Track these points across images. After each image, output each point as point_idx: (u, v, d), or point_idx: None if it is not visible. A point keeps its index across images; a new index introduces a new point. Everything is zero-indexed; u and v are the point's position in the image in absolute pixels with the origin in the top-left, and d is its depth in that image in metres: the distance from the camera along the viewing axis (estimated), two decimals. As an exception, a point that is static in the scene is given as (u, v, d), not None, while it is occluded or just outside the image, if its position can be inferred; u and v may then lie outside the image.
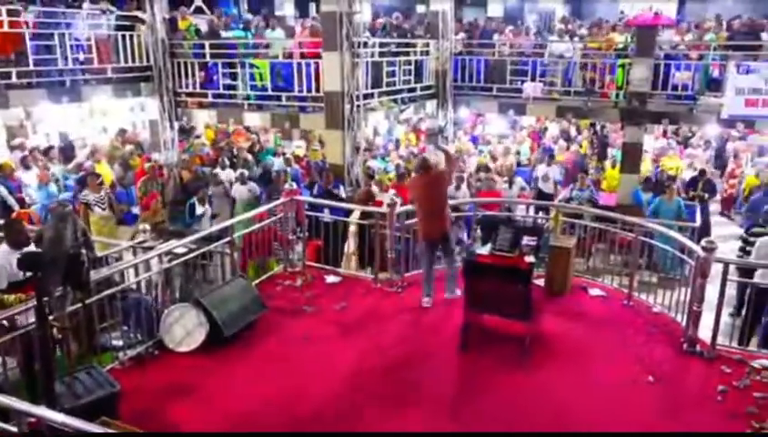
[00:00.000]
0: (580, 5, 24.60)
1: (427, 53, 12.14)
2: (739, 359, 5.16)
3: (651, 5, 9.79)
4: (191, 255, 5.75)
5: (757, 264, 6.55)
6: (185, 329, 5.22)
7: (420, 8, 21.47)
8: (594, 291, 6.52)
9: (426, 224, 6.00)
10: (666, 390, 4.78)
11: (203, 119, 12.46)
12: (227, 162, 11.33)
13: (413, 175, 6.65)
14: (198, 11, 14.24)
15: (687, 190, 10.55)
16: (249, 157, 12.30)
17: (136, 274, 5.50)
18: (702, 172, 10.95)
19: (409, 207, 6.89)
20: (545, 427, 4.34)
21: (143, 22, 10.86)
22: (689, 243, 5.66)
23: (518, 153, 13.41)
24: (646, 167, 11.95)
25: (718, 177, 12.79)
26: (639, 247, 6.35)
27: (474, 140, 15.07)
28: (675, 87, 10.78)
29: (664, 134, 15.13)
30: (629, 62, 10.66)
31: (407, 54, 11.58)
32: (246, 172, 10.20)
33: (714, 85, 10.74)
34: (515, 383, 4.83)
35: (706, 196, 10.40)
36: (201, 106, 11.49)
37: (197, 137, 13.71)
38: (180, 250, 5.68)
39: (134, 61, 10.84)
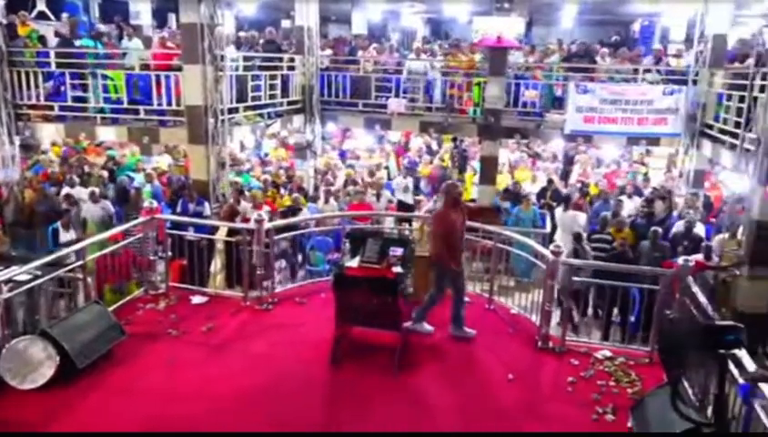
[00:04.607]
0: (439, 25, 25.92)
1: (293, 68, 12.14)
2: (585, 351, 5.68)
3: (500, 32, 10.47)
4: (36, 282, 5.24)
5: (595, 265, 7.23)
6: (29, 364, 4.73)
7: (286, 23, 21.39)
8: (458, 297, 6.83)
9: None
10: (524, 385, 5.14)
11: (50, 134, 11.45)
12: (77, 179, 10.49)
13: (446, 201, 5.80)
14: (41, 16, 13.10)
15: (538, 199, 11.44)
16: (105, 173, 11.50)
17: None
18: (550, 181, 11.93)
19: (280, 222, 6.82)
20: (417, 429, 4.49)
21: (-26, 26, 9.82)
22: (540, 248, 6.16)
23: (386, 168, 13.75)
24: (503, 178, 12.78)
25: (564, 187, 13.97)
26: (498, 253, 6.78)
27: (342, 155, 15.24)
28: (525, 105, 11.74)
29: (518, 147, 16.29)
30: (484, 80, 11.40)
31: (273, 68, 11.50)
32: (97, 190, 9.50)
33: (558, 103, 11.83)
34: (386, 391, 4.93)
35: (554, 204, 11.34)
36: (47, 119, 10.56)
37: (43, 152, 12.57)
38: (23, 277, 5.16)
39: (-36, 69, 9.75)
